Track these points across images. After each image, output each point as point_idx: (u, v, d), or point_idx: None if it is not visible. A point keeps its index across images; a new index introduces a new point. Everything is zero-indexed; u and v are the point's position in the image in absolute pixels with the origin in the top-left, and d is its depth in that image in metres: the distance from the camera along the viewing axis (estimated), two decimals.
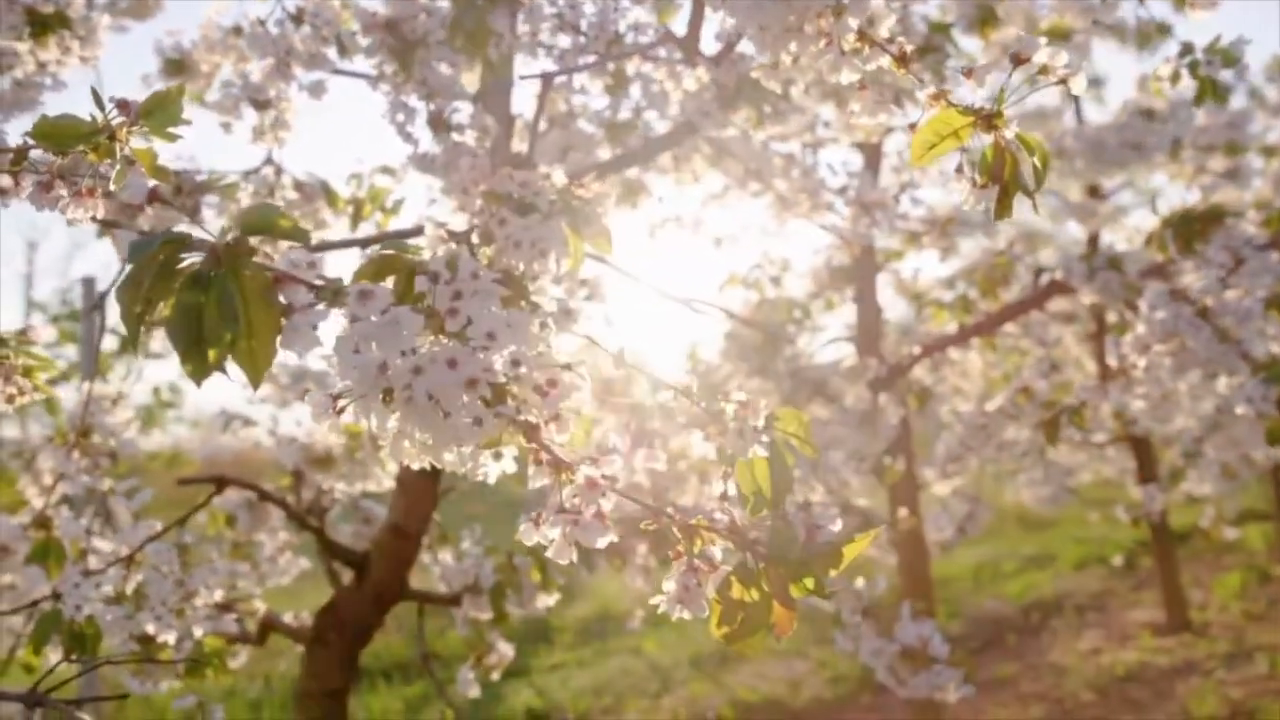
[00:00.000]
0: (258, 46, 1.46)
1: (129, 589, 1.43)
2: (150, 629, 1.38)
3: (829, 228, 3.23)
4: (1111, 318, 4.09)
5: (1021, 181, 0.77)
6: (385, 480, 2.08)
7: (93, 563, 1.64)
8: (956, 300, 3.14)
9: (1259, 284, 1.97)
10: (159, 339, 3.30)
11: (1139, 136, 3.26)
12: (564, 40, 1.42)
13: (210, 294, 0.52)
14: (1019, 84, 0.80)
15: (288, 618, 2.07)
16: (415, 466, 0.80)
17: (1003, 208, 0.77)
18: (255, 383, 0.54)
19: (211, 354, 0.52)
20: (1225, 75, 1.60)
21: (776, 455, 0.80)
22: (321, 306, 0.57)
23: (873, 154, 3.34)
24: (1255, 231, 2.05)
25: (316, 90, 1.51)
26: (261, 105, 1.47)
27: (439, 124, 1.33)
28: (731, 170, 2.68)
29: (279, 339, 0.55)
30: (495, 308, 0.79)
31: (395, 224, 2.12)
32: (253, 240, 0.54)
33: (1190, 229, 1.86)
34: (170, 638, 1.38)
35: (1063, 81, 0.76)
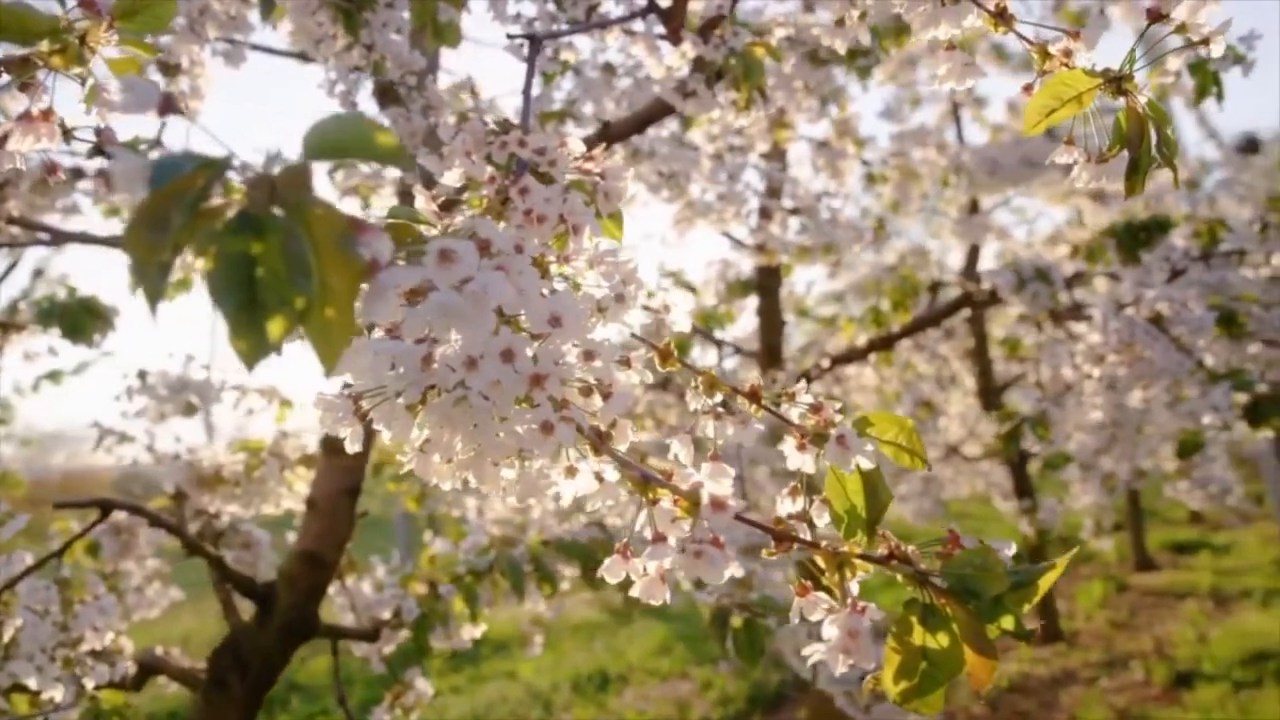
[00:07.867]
0: None
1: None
2: (31, 683, 1.16)
3: (736, 237, 3.15)
4: (998, 333, 4.14)
5: (1159, 152, 0.67)
6: (286, 501, 1.87)
7: None
8: (868, 313, 3.10)
9: (1190, 294, 1.97)
10: None
11: (1040, 153, 3.29)
12: (529, 8, 1.28)
13: (269, 241, 0.36)
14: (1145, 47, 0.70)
15: (157, 651, 1.84)
16: (447, 486, 0.64)
17: (1135, 182, 0.67)
18: (330, 364, 0.38)
19: (274, 326, 0.36)
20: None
21: (873, 468, 0.68)
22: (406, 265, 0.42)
23: (779, 163, 3.27)
24: (1185, 244, 2.05)
25: (234, 57, 1.32)
26: (171, 70, 1.27)
27: (388, 95, 1.16)
28: (645, 175, 2.56)
29: (359, 306, 0.39)
30: (545, 288, 0.65)
31: None
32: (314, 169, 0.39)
33: (1135, 239, 1.83)
34: (57, 694, 1.16)
35: (1204, 43, 0.66)
